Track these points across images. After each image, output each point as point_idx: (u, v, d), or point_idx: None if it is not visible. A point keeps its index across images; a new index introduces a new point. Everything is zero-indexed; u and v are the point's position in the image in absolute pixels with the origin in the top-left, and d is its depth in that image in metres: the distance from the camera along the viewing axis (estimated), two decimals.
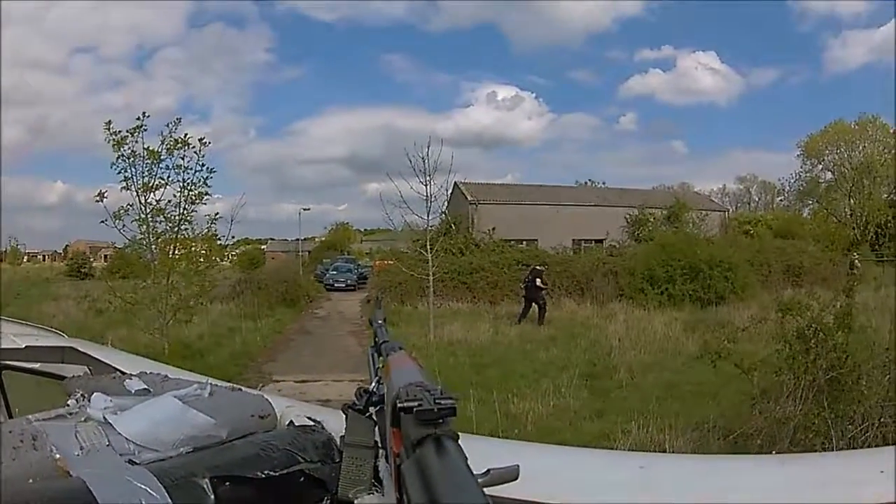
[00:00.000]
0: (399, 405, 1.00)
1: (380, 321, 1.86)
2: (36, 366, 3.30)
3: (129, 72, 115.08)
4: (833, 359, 9.06)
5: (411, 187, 24.77)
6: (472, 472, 0.91)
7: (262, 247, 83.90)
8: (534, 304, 25.82)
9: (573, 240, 42.65)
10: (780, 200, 65.33)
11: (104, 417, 1.52)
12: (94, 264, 64.71)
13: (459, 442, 0.97)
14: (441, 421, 0.96)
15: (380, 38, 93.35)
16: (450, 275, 30.60)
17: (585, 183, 60.38)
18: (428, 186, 24.80)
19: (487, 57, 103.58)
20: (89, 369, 2.91)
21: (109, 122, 19.17)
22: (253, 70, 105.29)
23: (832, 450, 7.61)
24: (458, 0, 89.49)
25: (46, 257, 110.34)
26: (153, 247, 19.32)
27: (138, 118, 19.21)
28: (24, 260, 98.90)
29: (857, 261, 37.67)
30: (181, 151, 19.20)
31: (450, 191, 32.20)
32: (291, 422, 1.76)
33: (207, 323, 23.84)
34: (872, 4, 77.86)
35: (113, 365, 2.73)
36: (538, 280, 26.04)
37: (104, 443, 1.44)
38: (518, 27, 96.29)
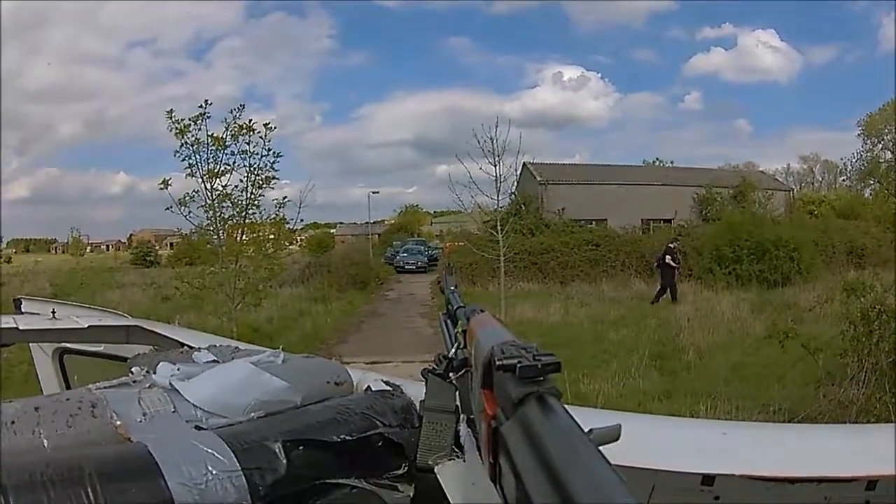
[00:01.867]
0: (498, 362, 0.92)
1: (452, 287, 1.88)
2: (100, 348, 3.44)
3: (189, 63, 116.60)
4: (895, 341, 9.17)
5: (480, 168, 25.35)
6: (583, 430, 0.85)
7: (332, 230, 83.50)
8: (667, 285, 25.63)
9: (642, 220, 42.21)
10: (843, 180, 64.00)
11: (170, 384, 1.53)
12: (159, 252, 65.46)
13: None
14: (543, 378, 0.90)
15: (442, 20, 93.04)
16: (520, 255, 30.41)
17: (653, 162, 60.34)
18: (497, 167, 25.09)
19: (551, 37, 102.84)
20: (154, 348, 2.93)
21: (171, 110, 19.26)
22: (315, 57, 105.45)
23: None
24: None
25: (111, 247, 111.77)
26: (220, 232, 19.39)
27: (201, 106, 19.26)
28: (88, 250, 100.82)
29: None
30: (246, 137, 19.23)
31: (519, 171, 32.08)
32: (369, 387, 1.78)
33: (277, 307, 24.15)
34: None
35: (181, 341, 2.74)
36: (668, 258, 25.90)
37: (169, 409, 1.46)
38: (580, 7, 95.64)
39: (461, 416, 1.44)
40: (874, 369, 9.45)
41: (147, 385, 1.53)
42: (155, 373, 1.61)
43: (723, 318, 19.75)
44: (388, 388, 1.73)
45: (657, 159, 61.38)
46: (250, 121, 19.32)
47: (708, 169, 49.80)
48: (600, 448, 0.80)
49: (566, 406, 0.87)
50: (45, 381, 3.92)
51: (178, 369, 1.61)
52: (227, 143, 19.07)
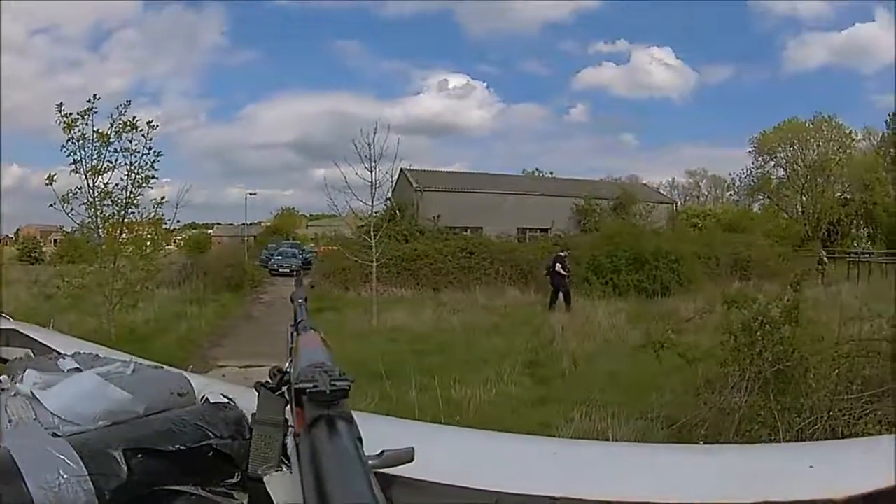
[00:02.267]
0: (296, 385, 1.06)
1: (300, 299, 1.97)
2: None
3: (86, 53, 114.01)
4: (779, 351, 9.06)
5: (356, 173, 25.44)
6: (360, 453, 0.94)
7: (209, 231, 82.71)
8: (558, 290, 25.78)
9: (518, 228, 42.89)
10: (730, 195, 66.06)
11: (31, 392, 1.57)
12: (44, 249, 64.81)
13: (360, 422, 1.02)
14: (335, 402, 1.01)
15: (334, 23, 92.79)
16: (393, 261, 30.57)
17: (532, 172, 61.17)
18: (373, 172, 25.28)
19: (441, 45, 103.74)
20: (32, 352, 2.98)
21: (61, 104, 19.01)
22: (206, 53, 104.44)
23: (779, 440, 7.64)
24: None
25: None
26: (101, 231, 19.20)
27: (89, 100, 19.05)
28: None
29: (825, 256, 39.13)
30: (130, 134, 19.04)
31: (396, 177, 33.05)
32: (206, 398, 1.81)
33: (154, 308, 23.65)
34: (836, 7, 79.26)
35: (52, 346, 2.79)
36: (558, 265, 25.88)
37: (31, 416, 1.50)
38: (474, 16, 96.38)
39: (290, 428, 1.41)
40: (757, 378, 9.12)
41: (13, 393, 1.60)
42: (21, 380, 1.65)
43: (599, 326, 19.83)
44: (224, 399, 1.77)
45: (537, 169, 62.10)
46: (134, 118, 19.26)
47: (589, 181, 50.83)
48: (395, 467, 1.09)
49: (389, 422, 1.31)
50: None
51: (40, 377, 1.65)
52: (111, 140, 18.95)
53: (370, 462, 1.11)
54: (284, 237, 71.79)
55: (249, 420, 1.57)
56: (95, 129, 18.81)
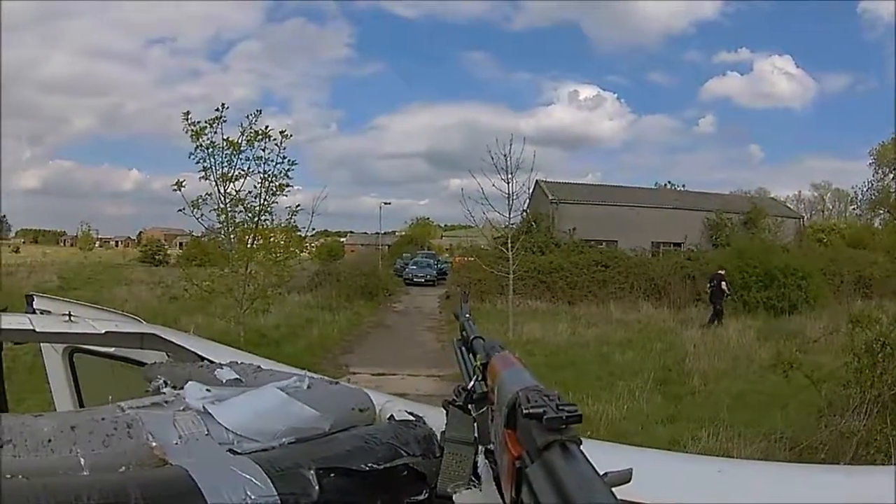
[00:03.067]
0: (525, 410, 1.00)
1: (467, 315, 1.87)
2: (111, 350, 3.46)
3: (206, 63, 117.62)
4: None
5: (493, 185, 25.22)
6: (601, 477, 0.91)
7: (342, 239, 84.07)
8: (717, 307, 26.30)
9: (652, 242, 42.57)
10: (854, 209, 64.26)
11: (203, 407, 1.56)
12: (168, 251, 65.74)
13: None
14: (567, 427, 0.97)
15: (461, 35, 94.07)
16: (529, 273, 30.44)
17: (665, 185, 60.03)
18: (510, 184, 25.04)
19: (568, 56, 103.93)
20: (168, 356, 3.05)
21: (188, 112, 19.46)
22: (333, 65, 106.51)
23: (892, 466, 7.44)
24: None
25: (120, 243, 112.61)
26: (231, 236, 19.60)
27: (217, 109, 19.43)
28: (97, 245, 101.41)
29: None
30: (262, 143, 19.36)
31: (531, 189, 32.28)
32: (392, 416, 1.81)
33: (284, 313, 24.25)
34: None
35: (196, 352, 2.76)
36: (723, 284, 26.51)
37: (203, 432, 1.48)
38: (598, 27, 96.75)
39: (479, 447, 1.46)
40: (876, 401, 9.42)
41: (181, 407, 1.56)
42: (183, 391, 1.66)
43: (729, 344, 19.77)
44: (412, 417, 1.76)
45: (669, 182, 61.10)
46: (266, 127, 19.56)
47: (719, 194, 50.02)
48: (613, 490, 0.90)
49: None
50: (54, 377, 4.01)
51: (209, 391, 1.65)
52: (242, 148, 19.28)
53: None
54: (419, 247, 71.49)
55: (438, 438, 1.63)
56: (225, 137, 19.23)
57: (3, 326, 3.17)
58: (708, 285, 27.54)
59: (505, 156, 25.01)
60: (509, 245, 24.51)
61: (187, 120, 19.22)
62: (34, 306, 4.00)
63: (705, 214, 43.69)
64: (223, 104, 19.50)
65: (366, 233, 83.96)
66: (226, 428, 1.49)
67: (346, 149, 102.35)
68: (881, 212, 58.53)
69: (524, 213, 33.13)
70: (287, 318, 23.99)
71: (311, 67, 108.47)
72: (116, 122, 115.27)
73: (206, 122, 19.22)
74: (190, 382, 1.71)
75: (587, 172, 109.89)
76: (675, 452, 2.62)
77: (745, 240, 37.63)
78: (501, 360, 1.33)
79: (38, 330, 3.11)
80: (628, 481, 1.15)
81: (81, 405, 3.83)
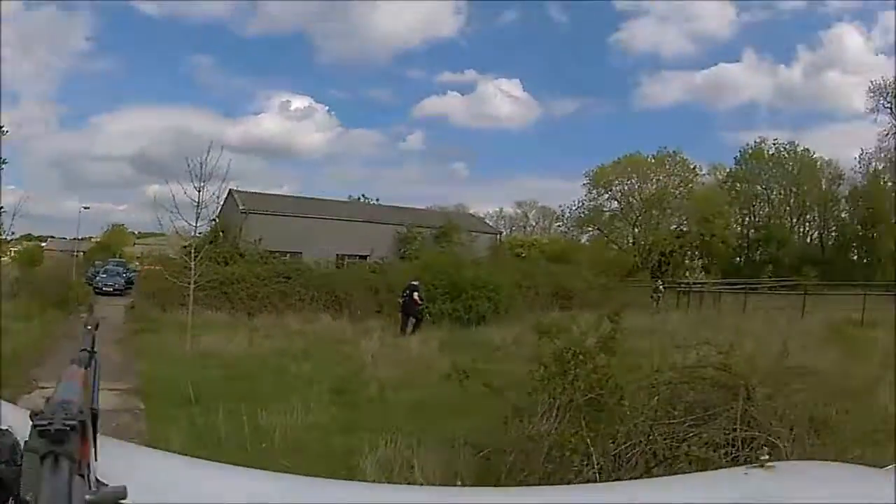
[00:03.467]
0: (34, 421, 1.06)
1: (89, 326, 2.00)
2: None
3: None
4: (593, 380, 8.93)
5: (185, 192, 24.71)
6: (71, 493, 0.98)
7: (43, 244, 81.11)
8: (410, 317, 27.24)
9: (337, 254, 43.44)
10: (559, 226, 68.62)
11: None
12: None
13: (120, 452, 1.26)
14: (64, 440, 1.03)
15: (193, 37, 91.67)
16: (212, 283, 29.76)
17: (359, 198, 62.12)
18: (200, 192, 24.69)
19: (292, 67, 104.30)
20: None
21: None
22: (69, 57, 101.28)
23: (592, 466, 7.67)
24: (278, 8, 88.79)
25: None
26: None
27: None
28: None
29: (662, 286, 41.66)
30: None
31: (223, 198, 32.26)
32: None
33: None
34: (699, 47, 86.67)
35: None
36: (415, 294, 27.38)
37: None
38: (330, 40, 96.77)
39: None
40: (568, 406, 8.92)
41: None
42: None
43: (410, 355, 20.21)
44: (3, 427, 1.61)
45: (363, 195, 62.93)
46: None
47: (415, 208, 52.60)
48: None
49: (157, 456, 1.47)
50: None
51: None
52: None
53: (87, 498, 1.12)
54: (113, 254, 70.77)
55: (22, 447, 1.44)
56: None
57: None
58: (401, 296, 28.14)
59: (200, 163, 24.93)
60: (192, 254, 23.95)
61: None
62: None
63: (396, 228, 45.50)
64: None
65: (65, 238, 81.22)
66: None
67: (61, 148, 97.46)
68: (590, 229, 63.86)
69: (213, 223, 34.37)
70: None
71: (50, 58, 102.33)
72: None
73: None
74: None
75: (288, 183, 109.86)
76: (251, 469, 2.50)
77: (434, 253, 38.72)
78: (67, 374, 1.52)
79: None
80: (124, 498, 1.23)
81: None
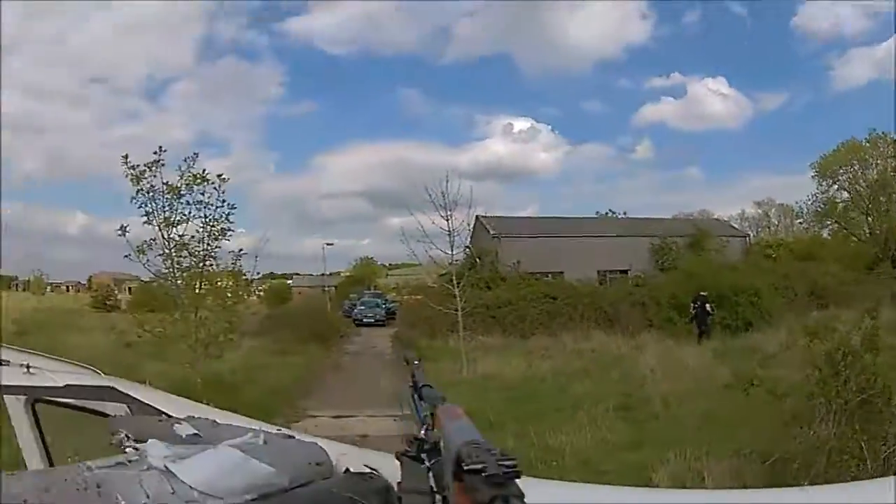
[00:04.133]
0: (466, 466, 1.08)
1: (416, 361, 1.96)
2: (72, 401, 3.42)
3: (144, 104, 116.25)
4: (863, 381, 9.17)
5: (433, 222, 25.56)
6: None
7: (289, 281, 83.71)
8: (701, 326, 27.89)
9: (598, 271, 42.52)
10: (800, 223, 63.75)
11: (165, 466, 1.59)
12: (118, 297, 65.44)
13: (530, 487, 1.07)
14: (507, 483, 1.05)
15: (391, 71, 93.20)
16: (478, 309, 30.12)
17: (606, 213, 59.40)
18: (450, 220, 25.35)
19: (500, 88, 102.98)
20: (129, 408, 3.03)
21: (126, 155, 19.06)
22: (266, 104, 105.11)
23: (866, 471, 7.77)
24: (469, 30, 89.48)
25: (70, 288, 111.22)
26: (179, 281, 19.12)
27: (155, 152, 19.08)
28: (48, 290, 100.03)
29: None
30: (201, 187, 19.03)
31: (472, 225, 32.09)
32: (348, 469, 1.87)
33: (239, 358, 23.80)
34: (872, 21, 78.13)
35: (154, 406, 2.84)
36: (707, 305, 27.96)
37: (169, 491, 1.51)
38: (529, 57, 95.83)
39: (436, 496, 1.46)
40: (843, 409, 9.32)
41: (144, 467, 1.59)
42: (144, 449, 1.69)
43: (686, 366, 19.75)
44: (367, 470, 1.80)
45: (610, 210, 60.22)
46: (204, 171, 19.21)
47: (661, 219, 50.58)
48: None
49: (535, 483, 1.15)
50: (19, 428, 3.80)
51: (169, 449, 1.68)
52: (181, 193, 18.87)
53: None
54: (365, 287, 71.26)
55: (395, 489, 1.63)
56: (165, 181, 18.82)
57: None
58: (692, 306, 28.42)
59: (442, 193, 25.42)
60: (454, 282, 24.56)
61: (126, 163, 18.84)
62: None
63: (649, 240, 44.06)
64: (160, 147, 19.17)
65: (311, 274, 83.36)
66: (189, 486, 1.52)
67: (285, 190, 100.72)
68: (829, 222, 59.24)
69: (467, 249, 34.20)
70: (243, 362, 23.64)
71: (246, 106, 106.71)
72: (60, 162, 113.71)
73: (144, 165, 18.81)
74: (151, 440, 1.75)
75: (526, 205, 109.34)
76: (632, 487, 2.63)
77: (691, 262, 37.98)
78: (445, 412, 1.42)
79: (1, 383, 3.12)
80: None
81: (48, 455, 3.75)
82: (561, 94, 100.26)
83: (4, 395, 3.75)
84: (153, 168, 18.77)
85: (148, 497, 1.45)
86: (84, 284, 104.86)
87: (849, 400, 9.30)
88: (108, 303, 60.18)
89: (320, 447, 1.92)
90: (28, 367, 3.35)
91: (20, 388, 3.42)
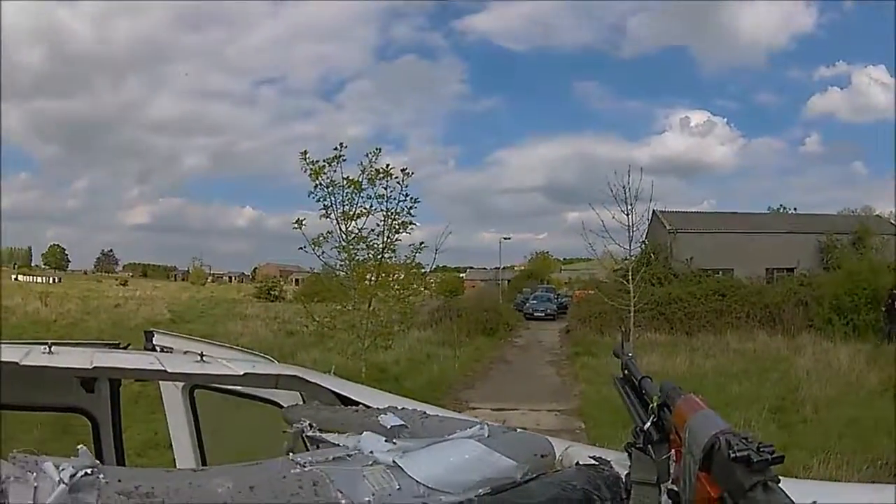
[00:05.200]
0: (732, 454, 1.10)
1: (629, 354, 1.88)
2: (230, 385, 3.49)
3: (319, 102, 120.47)
4: None
5: (613, 216, 25.31)
6: None
7: (461, 275, 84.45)
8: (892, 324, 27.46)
9: (766, 269, 42.44)
10: None
11: (393, 460, 1.53)
12: (283, 287, 66.91)
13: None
14: (767, 469, 1.09)
15: (569, 65, 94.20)
16: (649, 305, 29.20)
17: (777, 209, 59.87)
18: (630, 215, 25.23)
19: (676, 81, 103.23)
20: (302, 395, 3.08)
21: (305, 151, 19.78)
22: (446, 101, 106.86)
23: None
24: (642, 26, 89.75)
25: (233, 278, 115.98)
26: (352, 273, 19.48)
27: (336, 148, 19.81)
28: (209, 280, 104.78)
29: None
30: (383, 181, 19.57)
31: (649, 219, 32.46)
32: (578, 462, 1.79)
33: (405, 348, 24.57)
34: None
35: (338, 393, 2.79)
36: None
37: (395, 487, 1.44)
38: (704, 50, 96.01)
39: (661, 487, 1.49)
40: None
41: (368, 462, 1.55)
42: (361, 442, 1.68)
43: (840, 369, 20.09)
44: (597, 462, 1.76)
45: (782, 206, 61.31)
46: (388, 165, 19.85)
47: (827, 215, 49.66)
48: None
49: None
50: (172, 413, 4.11)
51: (395, 444, 1.64)
52: (363, 187, 19.54)
53: None
54: (539, 281, 71.17)
55: (624, 480, 1.62)
56: (345, 176, 19.49)
57: (131, 366, 3.31)
58: (885, 304, 28.01)
59: (624, 187, 25.24)
60: (630, 277, 24.63)
61: (305, 159, 19.74)
62: (154, 342, 4.25)
63: (816, 237, 44.03)
64: (341, 143, 19.99)
65: (485, 268, 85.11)
66: (417, 482, 1.48)
67: (464, 184, 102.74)
68: None
69: (643, 245, 33.07)
70: (408, 353, 24.50)
71: (424, 104, 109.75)
72: (228, 160, 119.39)
73: (324, 160, 19.58)
74: (366, 433, 1.75)
75: (702, 199, 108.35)
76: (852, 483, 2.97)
77: (853, 261, 37.25)
78: (687, 403, 1.40)
79: (169, 370, 3.10)
80: None
81: (199, 440, 4.04)
82: (736, 87, 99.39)
83: (172, 384, 4.05)
84: (333, 163, 19.60)
85: (373, 495, 1.41)
86: (248, 275, 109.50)
87: None
88: (272, 292, 61.87)
89: (547, 440, 1.84)
90: (202, 356, 3.35)
91: (192, 377, 3.52)
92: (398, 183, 19.58)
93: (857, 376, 19.15)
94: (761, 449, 1.13)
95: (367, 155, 20.00)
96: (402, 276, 20.67)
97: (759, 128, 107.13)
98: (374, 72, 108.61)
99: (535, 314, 48.40)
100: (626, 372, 1.84)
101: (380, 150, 20.35)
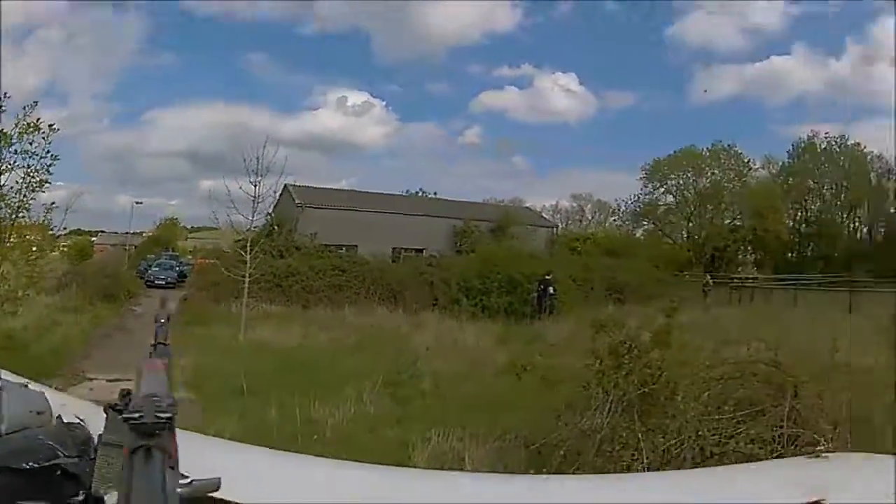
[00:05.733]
0: (125, 414, 1.09)
1: (162, 320, 1.99)
2: None
3: (12, 48, 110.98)
4: (646, 374, 9.08)
5: (241, 187, 25.20)
6: (165, 487, 1.01)
7: (93, 238, 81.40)
8: (542, 305, 29.54)
9: (393, 248, 43.39)
10: (614, 220, 67.68)
11: None
12: None
13: (190, 444, 1.17)
14: (157, 433, 1.05)
15: (249, 35, 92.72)
16: (266, 277, 30.01)
17: (417, 193, 61.89)
18: (257, 186, 25.14)
19: (346, 63, 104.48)
20: None
21: None
22: (124, 56, 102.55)
23: (642, 461, 7.74)
24: (334, 1, 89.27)
25: None
26: None
27: None
28: None
29: (710, 281, 42.12)
30: (31, 136, 18.21)
31: (279, 193, 32.84)
32: (59, 417, 1.83)
33: (34, 315, 22.68)
34: (753, 41, 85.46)
35: None
36: (551, 288, 29.80)
37: None
38: (387, 36, 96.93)
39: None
40: (621, 400, 9.08)
41: None
42: None
43: (465, 347, 20.32)
44: (76, 420, 1.77)
45: (421, 190, 62.82)
46: (38, 119, 18.51)
47: (472, 203, 52.67)
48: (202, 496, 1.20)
49: (220, 444, 1.69)
50: None
51: None
52: (12, 141, 18.24)
53: (179, 490, 1.19)
54: (165, 248, 71.01)
55: (96, 441, 1.58)
56: (1, 128, 18.05)
57: None
58: (536, 287, 30.49)
59: (256, 158, 25.24)
60: (248, 248, 24.47)
61: None
62: None
63: (453, 222, 45.63)
64: (5, 93, 18.30)
65: (116, 232, 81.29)
66: None
67: (116, 144, 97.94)
68: (644, 223, 62.96)
69: (268, 217, 34.09)
70: (36, 319, 22.60)
71: (103, 57, 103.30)
72: None
73: None
74: None
75: (343, 178, 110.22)
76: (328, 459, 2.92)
77: (489, 247, 39.16)
78: (149, 367, 1.45)
79: None
80: (216, 490, 1.36)
81: None
82: (408, 74, 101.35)
83: None
84: None
85: None
86: None
87: (627, 392, 9.08)
88: None
89: (44, 397, 1.97)
90: None
91: None
92: (44, 138, 18.45)
93: (483, 354, 19.07)
94: (157, 413, 1.12)
95: (24, 108, 18.67)
96: (35, 237, 19.93)
97: (418, 114, 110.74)
98: (65, 21, 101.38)
99: (157, 282, 47.00)
100: (156, 338, 1.92)
101: (36, 103, 19.22)
